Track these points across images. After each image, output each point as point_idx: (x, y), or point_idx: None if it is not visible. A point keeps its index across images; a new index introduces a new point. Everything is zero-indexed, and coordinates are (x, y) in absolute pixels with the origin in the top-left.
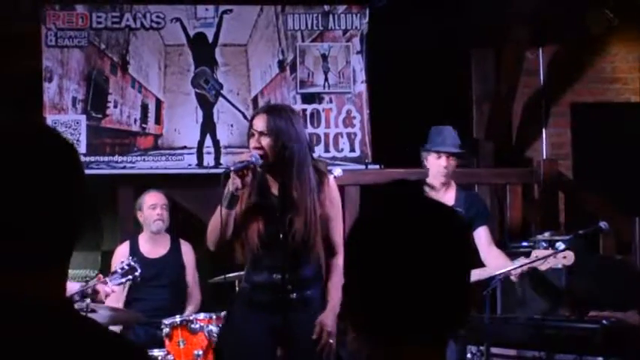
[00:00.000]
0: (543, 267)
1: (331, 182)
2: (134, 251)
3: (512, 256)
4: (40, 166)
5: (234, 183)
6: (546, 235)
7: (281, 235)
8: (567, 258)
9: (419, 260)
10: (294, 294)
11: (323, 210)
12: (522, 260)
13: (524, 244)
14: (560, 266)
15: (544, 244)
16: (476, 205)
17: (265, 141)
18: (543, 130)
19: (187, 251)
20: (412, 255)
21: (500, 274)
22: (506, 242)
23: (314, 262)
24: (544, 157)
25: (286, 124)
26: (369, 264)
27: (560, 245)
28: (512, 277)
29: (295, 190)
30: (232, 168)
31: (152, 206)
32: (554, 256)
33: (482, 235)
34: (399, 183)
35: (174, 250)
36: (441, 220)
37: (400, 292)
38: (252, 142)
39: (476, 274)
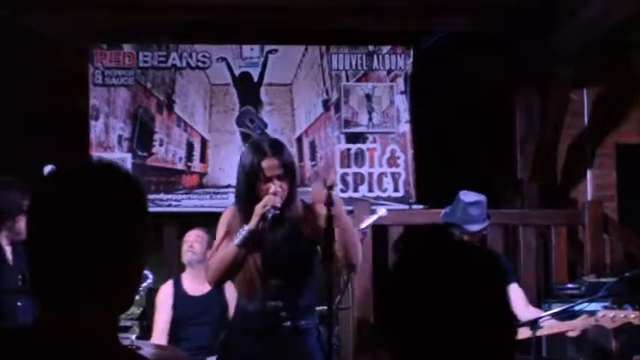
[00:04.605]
0: (610, 326)
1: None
2: (178, 289)
3: (560, 297)
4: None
5: (258, 225)
6: (592, 277)
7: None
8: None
9: (461, 304)
10: (288, 322)
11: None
12: (588, 318)
13: (570, 286)
14: None
15: (612, 304)
16: (505, 265)
17: (284, 184)
18: (588, 172)
19: (230, 289)
20: (454, 299)
21: (564, 329)
22: (551, 284)
23: (309, 292)
24: (589, 198)
25: (293, 161)
26: (410, 305)
27: (627, 307)
28: (571, 333)
29: (292, 217)
30: (269, 215)
31: (186, 240)
32: (624, 315)
33: (516, 293)
34: (440, 227)
35: (217, 288)
36: (481, 264)
37: (442, 336)
38: (272, 188)
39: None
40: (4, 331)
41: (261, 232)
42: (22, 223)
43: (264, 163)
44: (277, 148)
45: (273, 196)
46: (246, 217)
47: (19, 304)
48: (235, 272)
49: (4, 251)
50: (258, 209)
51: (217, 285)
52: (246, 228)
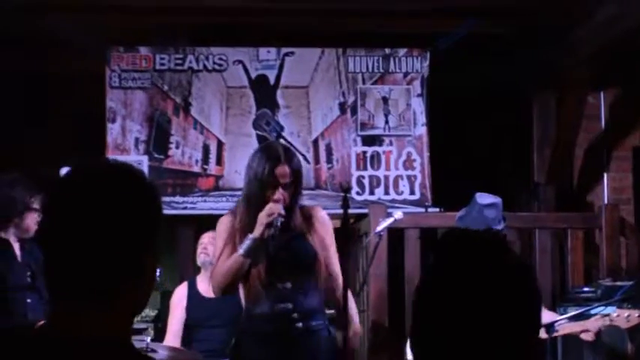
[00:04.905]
0: (625, 325)
1: (319, 213)
2: (192, 291)
3: (575, 300)
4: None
5: (263, 234)
6: (608, 281)
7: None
8: None
9: (491, 313)
10: (300, 323)
11: (320, 240)
12: (602, 318)
13: (586, 289)
14: None
15: (626, 304)
16: None
17: (288, 191)
18: (604, 175)
19: None
20: (483, 308)
21: (578, 329)
22: (567, 287)
23: (316, 292)
24: (605, 201)
25: (301, 169)
26: (440, 314)
27: None
28: (586, 336)
29: (294, 225)
30: (278, 223)
31: (200, 243)
32: (638, 315)
33: None
34: (475, 234)
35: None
36: (512, 273)
37: (470, 345)
38: (277, 194)
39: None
40: (15, 332)
41: (267, 240)
42: (29, 220)
43: (278, 170)
44: (289, 154)
45: (276, 204)
46: (253, 224)
47: (28, 300)
48: (240, 281)
49: (12, 248)
50: (263, 218)
51: (223, 294)
52: (251, 237)
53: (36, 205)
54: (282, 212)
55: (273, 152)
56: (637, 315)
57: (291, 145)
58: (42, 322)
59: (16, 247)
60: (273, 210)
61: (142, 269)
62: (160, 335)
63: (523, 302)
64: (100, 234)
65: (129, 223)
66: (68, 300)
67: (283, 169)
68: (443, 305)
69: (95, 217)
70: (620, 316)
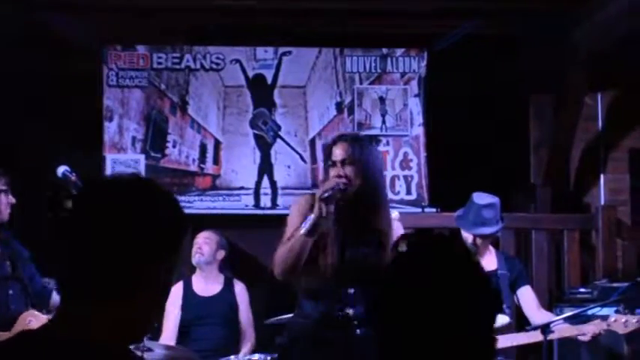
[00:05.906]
0: (622, 331)
1: (395, 223)
2: (187, 290)
3: (572, 301)
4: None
5: (320, 210)
6: (604, 281)
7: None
8: None
9: (443, 313)
10: (359, 330)
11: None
12: (600, 323)
13: (582, 290)
14: None
15: (624, 310)
16: (517, 267)
17: (348, 170)
18: (601, 176)
19: (240, 290)
20: (437, 307)
21: (575, 333)
22: (563, 288)
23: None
24: (602, 203)
25: (368, 154)
26: (394, 304)
27: (639, 312)
28: (584, 338)
29: (381, 224)
30: (322, 195)
31: (195, 242)
32: (636, 321)
33: (528, 295)
34: (433, 235)
35: (227, 289)
36: (466, 275)
37: (424, 344)
38: (334, 171)
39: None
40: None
41: (325, 217)
42: None
43: (334, 148)
44: (355, 138)
45: (335, 179)
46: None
47: (10, 292)
48: (302, 263)
49: None
50: (319, 195)
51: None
52: (311, 216)
53: (2, 187)
54: (340, 186)
55: (341, 134)
56: (634, 321)
57: (288, 144)
58: (25, 313)
59: None
60: (327, 186)
61: (150, 279)
62: (156, 334)
63: (465, 302)
64: (110, 243)
65: (146, 230)
66: (74, 302)
67: (340, 146)
68: (392, 307)
69: (107, 226)
70: (617, 321)
